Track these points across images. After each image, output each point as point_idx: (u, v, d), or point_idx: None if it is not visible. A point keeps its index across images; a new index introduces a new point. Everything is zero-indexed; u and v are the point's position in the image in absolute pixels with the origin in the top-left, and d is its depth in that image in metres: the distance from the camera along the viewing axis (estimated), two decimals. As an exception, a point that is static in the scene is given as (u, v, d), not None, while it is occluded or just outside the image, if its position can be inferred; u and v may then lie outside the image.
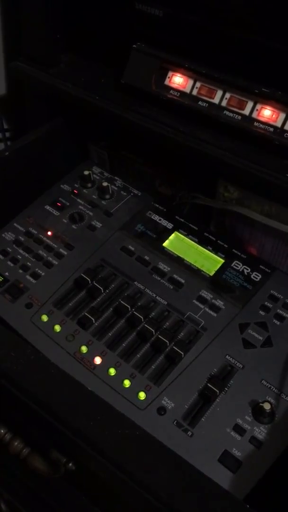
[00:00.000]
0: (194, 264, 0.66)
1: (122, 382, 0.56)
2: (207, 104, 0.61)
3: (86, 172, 0.76)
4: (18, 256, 0.69)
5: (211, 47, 0.60)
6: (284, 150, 0.57)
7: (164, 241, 0.69)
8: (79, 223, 0.72)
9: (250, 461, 0.50)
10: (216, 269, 0.66)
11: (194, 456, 0.50)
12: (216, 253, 0.67)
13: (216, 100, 0.60)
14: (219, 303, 0.62)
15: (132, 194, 0.76)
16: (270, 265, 0.66)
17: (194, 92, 0.62)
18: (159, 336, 0.58)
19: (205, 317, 0.61)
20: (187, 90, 0.62)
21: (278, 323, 0.60)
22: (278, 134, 0.57)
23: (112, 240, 0.70)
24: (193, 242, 0.68)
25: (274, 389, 0.54)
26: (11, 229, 0.72)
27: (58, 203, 0.75)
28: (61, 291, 0.64)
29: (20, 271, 0.67)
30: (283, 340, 0.58)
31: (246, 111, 0.58)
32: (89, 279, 0.64)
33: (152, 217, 0.72)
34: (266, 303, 0.62)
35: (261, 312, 0.61)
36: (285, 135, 0.56)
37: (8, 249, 0.70)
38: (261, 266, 0.66)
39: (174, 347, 0.58)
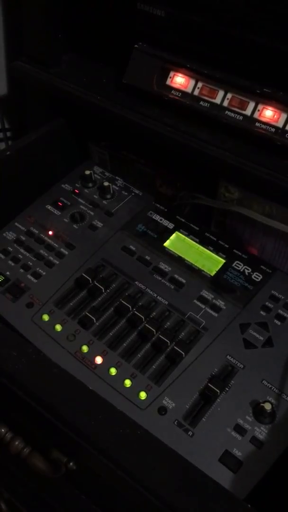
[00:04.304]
0: (195, 264, 0.66)
1: (123, 381, 0.56)
2: (208, 104, 0.61)
3: (87, 172, 0.76)
4: (19, 256, 0.69)
5: (212, 47, 0.60)
6: (286, 151, 0.57)
7: (165, 241, 0.69)
8: (80, 222, 0.72)
9: (251, 461, 0.50)
10: (217, 269, 0.66)
11: (194, 456, 0.50)
12: (217, 253, 0.67)
13: (217, 100, 0.60)
14: (220, 303, 0.62)
15: (133, 194, 0.76)
16: (271, 266, 0.66)
17: (196, 92, 0.62)
18: (160, 336, 0.58)
19: (206, 317, 0.61)
20: (189, 90, 0.62)
21: (279, 323, 0.60)
22: (280, 134, 0.57)
23: (113, 240, 0.70)
24: (194, 242, 0.69)
25: (274, 389, 0.55)
26: (12, 229, 0.72)
27: (59, 203, 0.75)
28: (62, 290, 0.64)
29: (21, 270, 0.67)
30: (284, 340, 0.58)
31: (248, 112, 0.58)
32: (90, 279, 0.64)
33: (153, 217, 0.72)
34: (267, 303, 0.62)
35: (262, 312, 0.61)
36: (286, 135, 0.56)
37: (9, 248, 0.70)
38: (262, 267, 0.66)
39: (175, 347, 0.58)
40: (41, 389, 0.44)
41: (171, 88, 0.63)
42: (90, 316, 0.61)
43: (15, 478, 0.65)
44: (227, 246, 0.68)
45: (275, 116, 0.57)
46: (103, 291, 0.63)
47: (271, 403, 0.52)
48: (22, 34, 0.73)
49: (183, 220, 0.71)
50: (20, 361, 0.46)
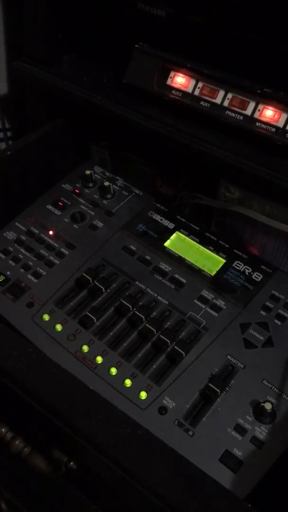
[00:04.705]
0: (195, 264, 0.66)
1: (123, 381, 0.56)
2: (209, 104, 0.61)
3: (87, 172, 0.76)
4: (20, 255, 0.69)
5: (213, 47, 0.60)
6: (286, 151, 0.57)
7: (165, 241, 0.69)
8: (81, 222, 0.72)
9: (251, 461, 0.50)
10: (217, 269, 0.66)
11: (195, 455, 0.50)
12: (217, 253, 0.67)
13: (218, 100, 0.60)
14: (220, 303, 0.62)
15: (133, 193, 0.76)
16: (271, 265, 0.66)
17: (196, 92, 0.62)
18: (160, 336, 0.58)
19: (206, 317, 0.61)
20: (189, 90, 0.62)
21: (279, 323, 0.60)
22: (280, 134, 0.57)
23: (114, 240, 0.70)
24: (194, 242, 0.69)
25: (275, 389, 0.55)
26: (13, 228, 0.72)
27: (59, 203, 0.75)
28: (63, 290, 0.64)
29: (22, 270, 0.67)
30: (284, 340, 0.58)
31: (248, 111, 0.58)
32: (90, 279, 0.64)
33: (154, 217, 0.72)
34: (267, 303, 0.62)
35: (262, 312, 0.61)
36: (287, 135, 0.56)
37: (10, 248, 0.70)
38: (262, 266, 0.66)
39: (175, 346, 0.58)
40: (41, 388, 0.44)
41: (172, 88, 0.63)
42: (91, 316, 0.61)
43: (15, 478, 0.65)
44: (227, 246, 0.68)
45: (276, 116, 0.57)
46: (104, 291, 0.63)
47: (272, 403, 0.52)
48: (22, 33, 0.73)
49: (183, 220, 0.71)
50: (20, 361, 0.46)
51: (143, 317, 0.60)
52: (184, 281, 0.65)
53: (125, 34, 0.66)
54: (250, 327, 0.60)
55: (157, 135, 0.63)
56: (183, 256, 0.67)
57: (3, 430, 0.49)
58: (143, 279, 0.65)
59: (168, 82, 0.63)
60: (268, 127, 0.57)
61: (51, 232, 0.71)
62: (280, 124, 0.57)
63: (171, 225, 0.71)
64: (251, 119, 0.58)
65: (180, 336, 0.59)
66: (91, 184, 0.77)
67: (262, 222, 0.66)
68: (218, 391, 0.54)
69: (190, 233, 0.70)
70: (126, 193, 0.76)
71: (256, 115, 0.58)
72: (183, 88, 0.62)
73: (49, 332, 0.61)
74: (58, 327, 0.61)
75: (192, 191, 0.75)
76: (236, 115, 0.59)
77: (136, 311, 0.61)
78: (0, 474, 0.67)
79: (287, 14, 0.52)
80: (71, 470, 0.47)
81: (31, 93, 0.83)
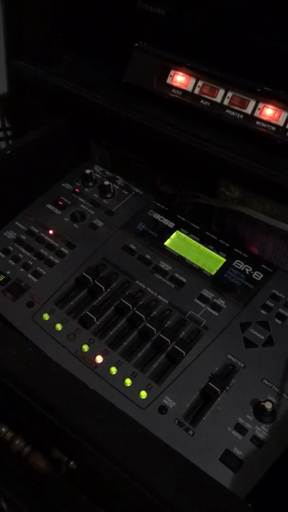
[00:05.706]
0: (196, 263, 0.66)
1: (124, 381, 0.56)
2: (209, 103, 0.61)
3: (87, 171, 0.76)
4: (20, 255, 0.69)
5: (213, 46, 0.60)
6: (286, 149, 0.56)
7: (165, 240, 0.69)
8: (81, 222, 0.72)
9: (252, 460, 0.50)
10: (217, 268, 0.65)
11: (195, 455, 0.50)
12: (217, 252, 0.67)
13: (218, 99, 0.60)
14: (220, 302, 0.62)
15: (133, 193, 0.76)
16: (272, 265, 0.66)
17: (196, 91, 0.62)
18: (161, 335, 0.58)
19: (207, 316, 0.61)
20: (189, 89, 0.62)
21: (280, 322, 0.60)
22: (280, 133, 0.56)
23: (114, 239, 0.70)
24: (194, 241, 0.68)
25: (275, 388, 0.54)
26: (13, 228, 0.72)
27: (59, 202, 0.75)
28: (63, 290, 0.64)
29: (22, 269, 0.67)
30: (284, 339, 0.58)
31: (248, 110, 0.58)
32: (90, 278, 0.64)
33: (154, 216, 0.72)
34: (267, 302, 0.62)
35: (263, 311, 0.61)
36: (287, 134, 0.56)
37: (10, 247, 0.70)
38: (262, 266, 0.66)
39: (175, 346, 0.57)
40: (41, 388, 0.44)
41: (172, 87, 0.63)
42: (91, 315, 0.61)
43: (15, 477, 0.65)
44: (227, 245, 0.68)
45: (276, 115, 0.57)
46: (104, 290, 0.63)
47: (272, 402, 0.52)
48: (22, 32, 0.73)
49: (183, 219, 0.71)
50: (20, 360, 0.46)
51: (143, 317, 0.60)
52: (184, 280, 0.65)
53: (124, 33, 0.66)
54: (250, 326, 0.60)
55: (157, 134, 0.63)
56: (183, 255, 0.67)
57: (3, 429, 0.49)
58: (143, 278, 0.65)
59: (168, 81, 0.63)
60: (268, 125, 0.57)
61: (51, 232, 0.71)
62: (280, 122, 0.57)
63: (171, 224, 0.71)
64: (251, 118, 0.58)
65: (180, 336, 0.59)
66: (91, 183, 0.77)
67: (262, 221, 0.66)
68: (219, 390, 0.53)
69: (190, 232, 0.69)
70: (126, 192, 0.76)
71: (256, 113, 0.58)
72: (183, 87, 0.62)
73: (49, 331, 0.61)
74: (58, 326, 0.61)
75: (192, 190, 0.75)
76: (236, 113, 0.59)
77: (136, 311, 0.61)
78: (0, 473, 0.67)
79: (287, 13, 0.52)
80: (71, 469, 0.47)
81: (31, 92, 0.83)
